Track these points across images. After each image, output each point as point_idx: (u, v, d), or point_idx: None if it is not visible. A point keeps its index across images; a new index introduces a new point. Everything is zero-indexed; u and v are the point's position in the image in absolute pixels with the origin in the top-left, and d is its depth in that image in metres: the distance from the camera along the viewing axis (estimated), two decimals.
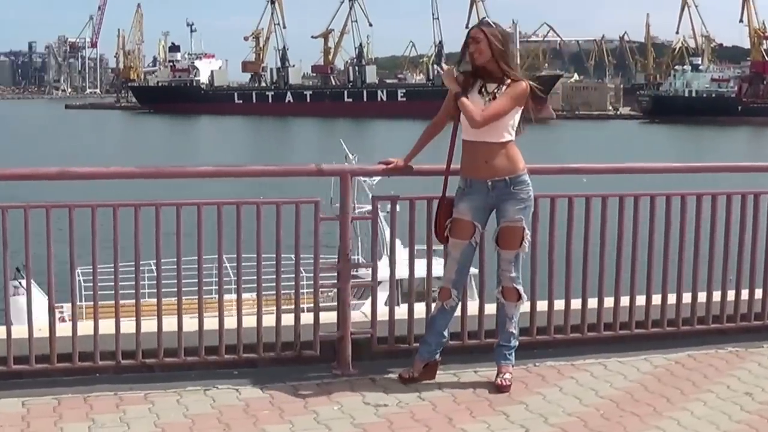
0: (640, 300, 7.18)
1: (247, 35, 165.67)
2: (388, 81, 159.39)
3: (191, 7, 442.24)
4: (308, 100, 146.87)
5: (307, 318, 6.58)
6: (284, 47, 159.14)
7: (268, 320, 6.49)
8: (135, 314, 6.31)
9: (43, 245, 5.97)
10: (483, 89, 6.18)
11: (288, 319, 6.56)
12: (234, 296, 6.31)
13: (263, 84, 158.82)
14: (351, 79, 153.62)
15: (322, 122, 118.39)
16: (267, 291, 6.41)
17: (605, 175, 7.58)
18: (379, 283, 6.84)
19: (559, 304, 6.99)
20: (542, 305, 6.98)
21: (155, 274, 6.28)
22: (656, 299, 7.23)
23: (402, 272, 6.72)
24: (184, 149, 73.90)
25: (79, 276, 6.25)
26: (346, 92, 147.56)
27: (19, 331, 6.18)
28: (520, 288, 6.34)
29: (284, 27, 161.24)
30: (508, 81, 6.14)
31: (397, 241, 6.84)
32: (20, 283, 12.32)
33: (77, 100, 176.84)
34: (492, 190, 6.19)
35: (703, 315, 7.36)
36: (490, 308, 6.77)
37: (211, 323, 6.42)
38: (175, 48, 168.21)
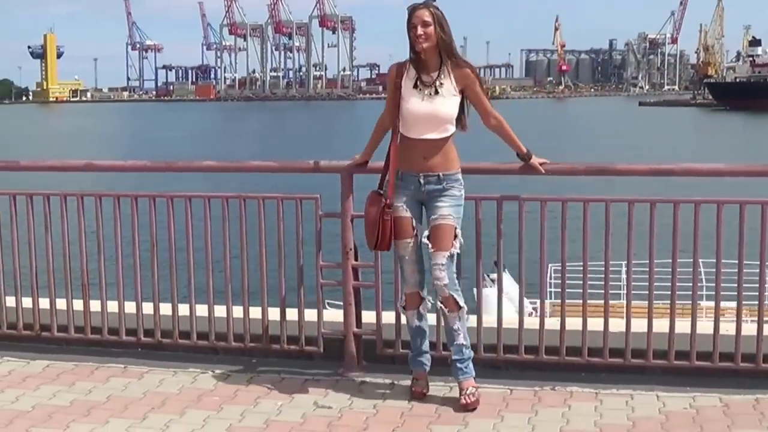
0: (706, 328, 6.07)
1: None
2: None
3: None
4: None
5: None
6: None
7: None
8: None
9: None
10: (419, 82, 5.66)
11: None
12: None
13: None
14: None
15: None
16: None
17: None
18: None
19: (596, 324, 6.20)
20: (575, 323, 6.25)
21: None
22: (728, 327, 6.06)
23: None
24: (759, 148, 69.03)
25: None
26: None
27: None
28: (457, 296, 5.73)
29: None
30: (448, 66, 5.63)
31: None
32: (489, 276, 11.71)
33: (653, 97, 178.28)
34: (424, 185, 5.73)
35: None
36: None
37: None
38: (755, 42, 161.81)
